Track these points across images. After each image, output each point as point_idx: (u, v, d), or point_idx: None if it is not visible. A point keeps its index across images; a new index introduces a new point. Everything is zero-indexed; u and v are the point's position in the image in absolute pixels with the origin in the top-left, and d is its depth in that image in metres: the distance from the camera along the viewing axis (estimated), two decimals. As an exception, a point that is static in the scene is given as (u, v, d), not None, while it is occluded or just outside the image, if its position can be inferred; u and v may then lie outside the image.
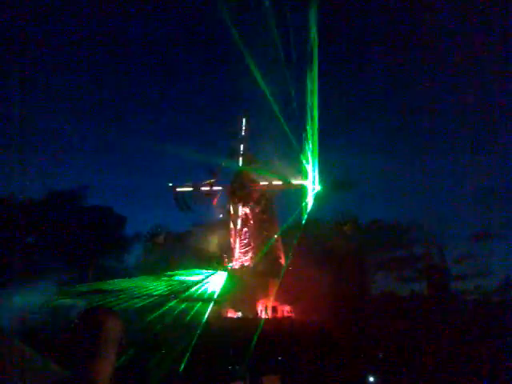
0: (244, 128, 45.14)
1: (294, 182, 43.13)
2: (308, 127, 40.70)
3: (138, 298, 36.52)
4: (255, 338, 30.74)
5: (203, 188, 44.29)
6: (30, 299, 37.41)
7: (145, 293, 37.83)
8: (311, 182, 41.93)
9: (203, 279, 40.88)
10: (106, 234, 50.90)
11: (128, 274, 41.99)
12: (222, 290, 39.83)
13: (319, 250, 41.12)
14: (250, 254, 44.41)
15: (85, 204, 52.00)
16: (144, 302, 35.82)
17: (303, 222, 41.08)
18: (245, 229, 45.08)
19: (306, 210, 41.26)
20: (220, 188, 45.00)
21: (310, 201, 41.78)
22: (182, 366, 27.79)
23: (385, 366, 31.10)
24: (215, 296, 38.93)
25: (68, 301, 37.86)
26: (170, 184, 43.92)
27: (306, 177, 42.33)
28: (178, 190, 43.58)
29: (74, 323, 2.36)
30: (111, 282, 39.60)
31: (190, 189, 44.03)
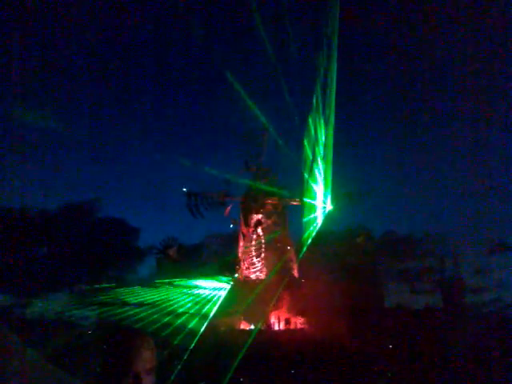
0: (263, 142, 45.02)
1: (306, 199, 42.88)
2: (321, 142, 40.77)
3: (169, 314, 36.48)
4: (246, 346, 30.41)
5: (217, 196, 44.35)
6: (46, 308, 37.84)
7: (172, 308, 37.88)
8: (322, 202, 41.61)
9: (214, 291, 40.96)
10: (120, 245, 51.22)
11: (141, 285, 42.11)
12: (234, 302, 39.74)
13: (332, 262, 40.86)
14: (262, 266, 44.26)
15: (99, 216, 52.53)
16: (179, 320, 35.71)
17: (304, 248, 40.94)
18: (257, 240, 44.99)
19: (310, 237, 40.92)
20: (233, 198, 45.07)
21: (319, 220, 41.43)
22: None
23: (398, 380, 30.70)
24: (222, 308, 38.87)
25: (81, 311, 38.09)
26: (185, 189, 44.02)
27: (314, 197, 42.13)
28: (192, 195, 43.63)
29: (104, 346, 2.27)
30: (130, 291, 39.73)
31: (204, 195, 44.09)
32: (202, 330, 34.86)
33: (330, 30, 38.73)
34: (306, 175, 41.33)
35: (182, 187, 44.00)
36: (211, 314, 37.41)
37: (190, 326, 35.25)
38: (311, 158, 41.05)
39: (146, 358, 2.21)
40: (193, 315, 37.01)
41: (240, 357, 29.38)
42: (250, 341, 31.91)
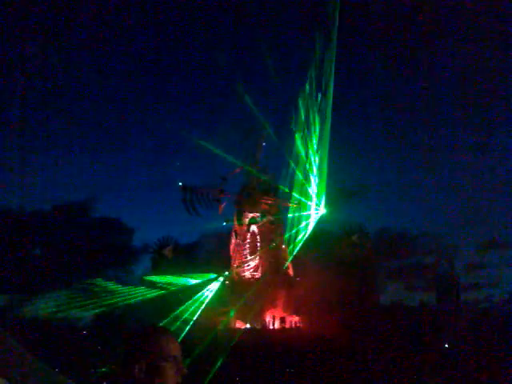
0: (261, 140, 44.88)
1: (301, 202, 42.88)
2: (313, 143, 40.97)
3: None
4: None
5: (212, 192, 44.22)
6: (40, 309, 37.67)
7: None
8: (315, 205, 41.64)
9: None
10: (114, 245, 51.08)
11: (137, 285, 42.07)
12: (227, 300, 39.85)
13: (328, 260, 40.91)
14: (257, 264, 44.24)
15: (94, 216, 52.39)
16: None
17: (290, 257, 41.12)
18: (251, 239, 44.94)
19: (297, 244, 41.15)
20: (228, 195, 45.03)
21: (310, 225, 41.56)
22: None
23: (394, 376, 30.78)
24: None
25: (75, 312, 37.97)
26: (181, 183, 43.88)
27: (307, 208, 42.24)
28: (187, 189, 43.47)
29: (128, 340, 2.34)
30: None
31: (199, 190, 43.96)
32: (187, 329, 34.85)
33: (330, 20, 38.93)
34: (299, 177, 41.51)
35: (178, 183, 43.88)
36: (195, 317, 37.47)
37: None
38: (304, 160, 41.29)
39: (164, 347, 2.30)
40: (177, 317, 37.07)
41: (223, 357, 29.42)
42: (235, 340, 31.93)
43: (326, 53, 39.49)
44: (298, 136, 41.25)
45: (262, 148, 44.97)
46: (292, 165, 41.37)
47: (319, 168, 40.81)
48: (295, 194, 41.99)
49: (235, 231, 45.50)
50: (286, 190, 42.55)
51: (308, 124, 41.14)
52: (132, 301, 38.27)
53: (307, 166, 41.22)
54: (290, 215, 42.84)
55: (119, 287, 40.76)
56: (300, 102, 40.93)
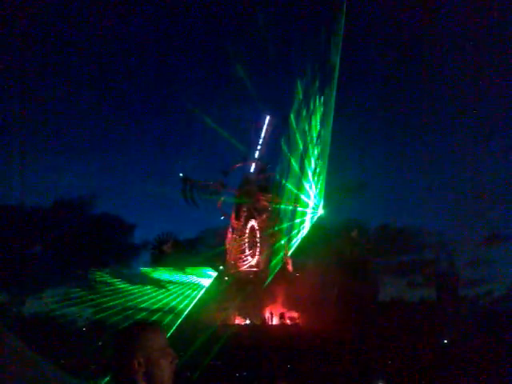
0: (265, 130, 44.81)
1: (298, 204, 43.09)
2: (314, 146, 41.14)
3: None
4: None
5: (212, 185, 44.26)
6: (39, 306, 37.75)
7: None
8: (312, 206, 41.82)
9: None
10: (114, 241, 51.07)
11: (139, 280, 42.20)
12: (226, 296, 40.02)
13: (327, 257, 40.95)
14: (256, 261, 44.26)
15: (94, 212, 52.33)
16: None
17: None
18: (248, 234, 44.99)
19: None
20: (228, 189, 45.13)
21: (306, 227, 41.79)
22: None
23: (394, 372, 30.85)
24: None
25: (75, 309, 38.03)
26: (181, 175, 43.91)
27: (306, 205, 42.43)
28: (187, 181, 43.54)
29: (122, 336, 2.35)
30: None
31: (199, 182, 44.03)
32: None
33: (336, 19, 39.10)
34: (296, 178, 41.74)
35: (179, 174, 43.94)
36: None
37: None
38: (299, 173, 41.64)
39: (157, 340, 2.33)
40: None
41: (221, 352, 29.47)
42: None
43: (330, 49, 39.70)
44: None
45: (267, 136, 44.95)
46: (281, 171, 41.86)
47: (318, 170, 41.16)
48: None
49: (232, 226, 45.59)
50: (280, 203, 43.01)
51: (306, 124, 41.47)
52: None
53: (304, 169, 41.64)
54: (287, 223, 43.28)
55: (125, 285, 40.86)
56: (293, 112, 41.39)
